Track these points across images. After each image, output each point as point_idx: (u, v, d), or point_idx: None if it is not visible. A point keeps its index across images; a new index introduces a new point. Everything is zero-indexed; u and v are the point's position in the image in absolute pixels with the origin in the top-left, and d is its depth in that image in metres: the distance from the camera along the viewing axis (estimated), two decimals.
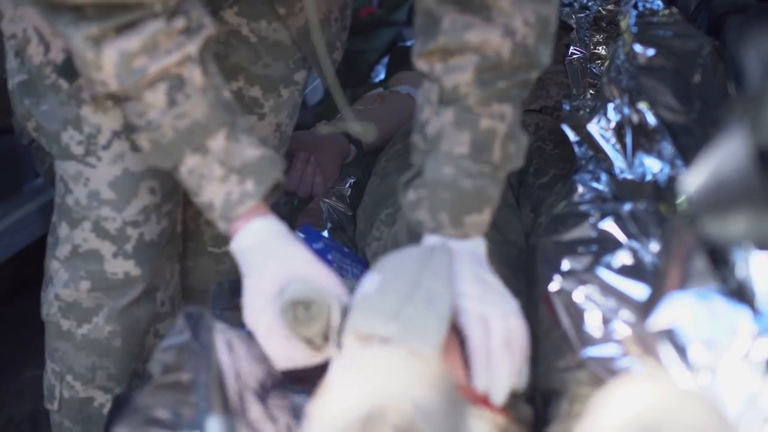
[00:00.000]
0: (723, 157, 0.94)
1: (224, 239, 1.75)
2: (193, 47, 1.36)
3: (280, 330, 1.35)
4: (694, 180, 0.96)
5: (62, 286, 1.64)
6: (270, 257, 1.40)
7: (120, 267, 1.63)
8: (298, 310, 1.33)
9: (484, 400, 1.30)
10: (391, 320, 1.29)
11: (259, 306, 1.38)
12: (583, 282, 1.40)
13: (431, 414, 0.98)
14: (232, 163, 1.39)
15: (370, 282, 1.37)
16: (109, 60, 1.34)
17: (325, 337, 1.35)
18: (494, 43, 1.37)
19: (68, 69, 1.50)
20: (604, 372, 1.32)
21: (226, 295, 1.54)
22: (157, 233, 1.64)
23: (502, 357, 1.33)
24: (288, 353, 1.37)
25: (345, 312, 1.35)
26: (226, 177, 1.39)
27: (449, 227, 1.42)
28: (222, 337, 1.39)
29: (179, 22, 1.36)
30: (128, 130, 1.51)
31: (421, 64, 1.42)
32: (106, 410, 1.67)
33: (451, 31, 1.38)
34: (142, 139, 1.41)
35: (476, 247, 1.44)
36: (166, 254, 1.69)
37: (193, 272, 1.82)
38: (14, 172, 2.37)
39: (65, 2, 1.31)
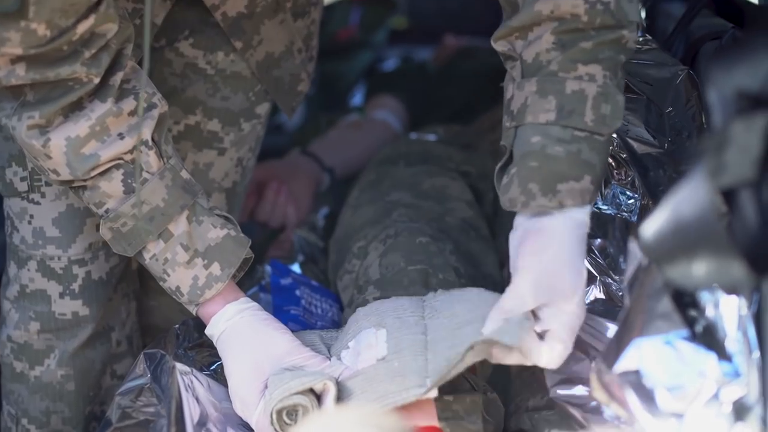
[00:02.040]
0: (684, 202, 0.91)
1: None
2: (146, 131, 1.34)
3: (269, 427, 1.33)
4: (653, 227, 0.93)
5: (13, 327, 1.61)
6: (249, 347, 1.38)
7: (67, 307, 1.59)
8: (285, 417, 1.32)
9: None
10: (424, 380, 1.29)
11: (247, 401, 1.35)
12: None
13: None
14: (196, 247, 1.37)
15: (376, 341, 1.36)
16: (58, 148, 1.31)
17: None
18: (566, 7, 1.29)
19: None
20: (575, 412, 1.30)
21: (191, 332, 1.51)
22: (106, 271, 1.60)
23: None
24: None
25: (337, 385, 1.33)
26: (191, 261, 1.37)
27: (541, 197, 1.30)
28: (182, 379, 1.36)
29: (128, 104, 1.33)
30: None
31: (500, 45, 1.36)
32: None
33: (523, 5, 1.32)
34: (103, 228, 1.38)
35: (575, 219, 1.31)
36: (121, 292, 1.66)
37: (155, 311, 1.78)
38: None
39: (3, 85, 1.28)
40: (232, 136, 1.69)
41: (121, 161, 1.34)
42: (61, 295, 1.58)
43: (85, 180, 1.35)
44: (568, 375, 1.34)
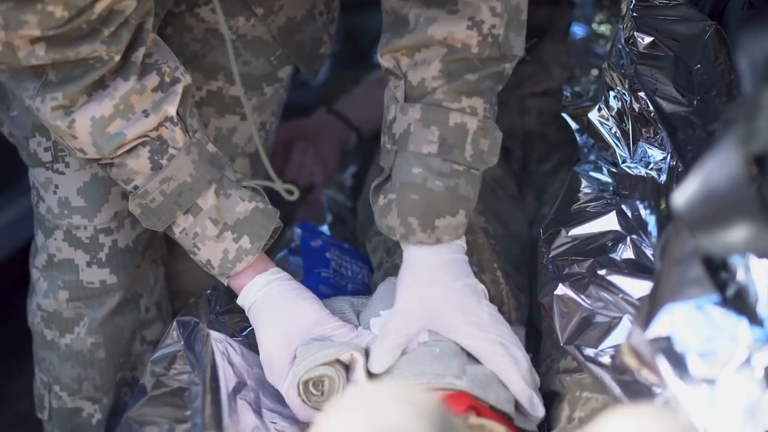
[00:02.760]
0: (715, 169, 0.91)
1: None
2: (170, 107, 1.34)
3: (297, 398, 1.34)
4: (684, 195, 0.93)
5: (42, 296, 1.63)
6: (278, 317, 1.39)
7: (95, 276, 1.60)
8: (311, 388, 1.33)
9: (486, 414, 1.28)
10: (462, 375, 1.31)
11: (276, 371, 1.37)
12: (583, 287, 1.38)
13: None
14: (225, 220, 1.38)
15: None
16: (83, 128, 1.31)
17: None
18: (460, 35, 1.33)
19: None
20: (605, 377, 1.30)
21: (223, 297, 1.52)
22: (132, 239, 1.61)
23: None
24: (307, 414, 1.35)
25: (366, 355, 1.35)
26: (221, 235, 1.38)
27: (420, 232, 1.37)
28: (216, 346, 1.37)
29: (151, 81, 1.33)
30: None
31: (385, 60, 1.38)
32: (95, 420, 1.67)
33: (416, 26, 1.33)
34: (132, 204, 1.39)
35: (452, 253, 1.39)
36: (149, 259, 1.66)
37: (183, 275, 1.79)
38: (10, 167, 2.35)
39: (24, 66, 1.27)
40: (254, 100, 1.69)
41: (147, 138, 1.35)
42: (89, 264, 1.59)
43: (112, 158, 1.36)
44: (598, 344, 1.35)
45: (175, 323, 1.43)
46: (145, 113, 1.33)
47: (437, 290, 1.37)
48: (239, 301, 1.43)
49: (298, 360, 1.33)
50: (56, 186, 1.56)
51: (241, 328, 1.48)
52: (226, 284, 1.43)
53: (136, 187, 1.38)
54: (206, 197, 1.37)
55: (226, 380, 1.35)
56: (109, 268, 1.60)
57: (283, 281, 1.42)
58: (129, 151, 1.35)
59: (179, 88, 1.35)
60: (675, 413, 1.00)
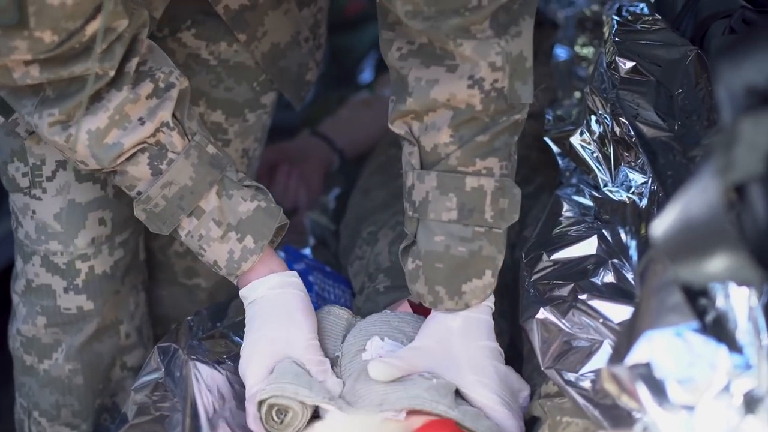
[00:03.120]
0: (693, 198, 0.91)
1: (196, 271, 1.76)
2: (166, 113, 1.34)
3: (255, 414, 1.35)
4: (663, 224, 0.93)
5: (22, 322, 1.62)
6: (274, 325, 1.38)
7: (72, 302, 1.59)
8: (273, 413, 1.33)
9: None
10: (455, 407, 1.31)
11: (248, 375, 1.37)
12: (564, 311, 1.39)
13: None
14: (228, 221, 1.38)
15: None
16: (81, 142, 1.32)
17: None
18: (462, 96, 1.32)
19: (3, 104, 1.45)
20: (586, 401, 1.31)
21: (205, 322, 1.52)
22: (110, 265, 1.60)
23: None
24: (258, 430, 1.36)
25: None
26: (225, 236, 1.38)
27: (448, 300, 1.38)
28: (195, 372, 1.37)
29: (145, 88, 1.33)
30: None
31: (396, 126, 1.38)
32: None
33: (416, 90, 1.33)
34: (137, 210, 1.39)
35: (479, 314, 1.40)
36: (129, 284, 1.66)
37: (165, 301, 1.79)
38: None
39: (21, 83, 1.28)
40: (236, 126, 1.69)
41: (145, 145, 1.35)
42: (66, 290, 1.59)
43: (113, 168, 1.36)
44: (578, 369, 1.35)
45: (155, 350, 1.42)
46: (141, 121, 1.33)
47: (457, 347, 1.38)
48: (242, 293, 1.42)
49: (271, 379, 1.33)
50: (33, 211, 1.56)
51: (222, 353, 1.47)
52: (235, 284, 1.43)
53: (139, 193, 1.38)
54: (208, 199, 1.37)
55: (205, 407, 1.35)
56: (86, 294, 1.60)
57: (296, 290, 1.41)
58: (128, 159, 1.35)
59: (174, 93, 1.35)
60: None
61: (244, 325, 1.46)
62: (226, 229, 1.38)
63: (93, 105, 1.32)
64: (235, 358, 1.43)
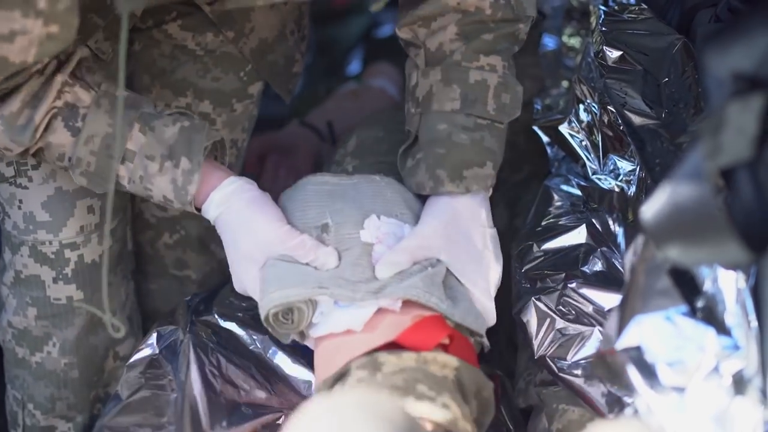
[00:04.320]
0: (682, 183, 0.93)
1: (186, 263, 1.76)
2: (62, 76, 1.34)
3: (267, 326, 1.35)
4: (652, 208, 0.95)
5: (12, 313, 1.62)
6: (239, 235, 1.37)
7: (62, 292, 1.59)
8: (281, 317, 1.33)
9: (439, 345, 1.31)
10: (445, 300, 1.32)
11: (246, 286, 1.38)
12: (555, 300, 1.41)
13: None
14: (160, 152, 1.36)
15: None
16: None
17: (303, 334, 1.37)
18: (472, 0, 1.38)
19: None
20: (579, 388, 1.32)
21: (201, 305, 1.53)
22: (99, 254, 1.59)
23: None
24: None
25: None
26: (162, 167, 1.37)
27: (449, 183, 1.39)
28: (193, 350, 1.38)
29: (51, 66, 1.34)
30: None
31: (403, 32, 1.42)
32: None
33: None
34: (75, 177, 1.39)
35: (480, 201, 1.41)
36: (120, 274, 1.66)
37: (155, 294, 1.79)
38: None
39: None
40: (224, 117, 1.68)
41: (55, 110, 1.35)
42: (55, 280, 1.58)
43: (35, 145, 1.36)
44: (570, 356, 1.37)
45: (154, 329, 1.43)
46: (45, 92, 1.33)
47: (459, 229, 1.38)
48: (203, 214, 1.41)
49: (265, 288, 1.33)
50: (20, 201, 1.55)
51: (219, 332, 1.48)
52: (194, 211, 1.41)
53: (69, 159, 1.38)
54: (134, 139, 1.36)
55: (202, 384, 1.35)
56: (75, 283, 1.59)
57: (239, 195, 1.39)
58: (45, 130, 1.35)
59: (73, 60, 1.35)
60: (648, 426, 1.01)
61: (236, 311, 1.49)
62: (160, 161, 1.36)
63: (7, 96, 1.32)
64: (232, 337, 1.44)
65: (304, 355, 1.44)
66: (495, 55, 1.40)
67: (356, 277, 1.33)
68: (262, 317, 1.34)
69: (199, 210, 1.41)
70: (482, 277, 1.38)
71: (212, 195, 1.38)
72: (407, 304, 1.31)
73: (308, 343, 1.38)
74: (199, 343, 1.42)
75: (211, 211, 1.39)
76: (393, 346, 1.29)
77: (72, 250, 1.58)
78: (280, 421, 1.38)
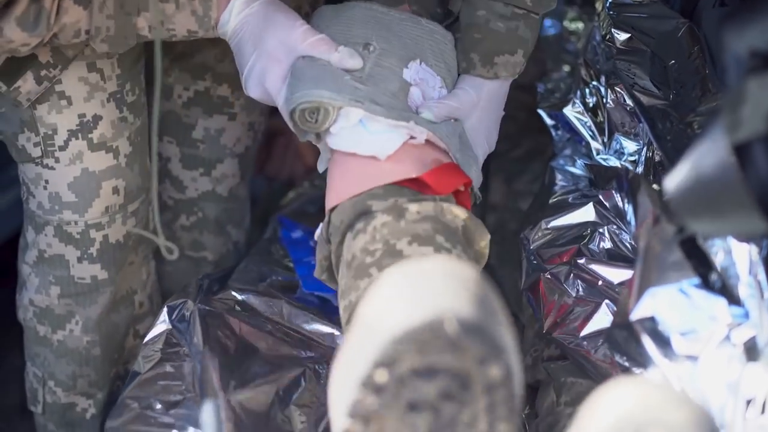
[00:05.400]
0: (703, 156, 0.96)
1: (202, 244, 1.78)
2: None
3: (290, 121, 1.38)
4: (674, 180, 0.98)
5: (35, 292, 1.63)
6: (260, 41, 1.40)
7: (86, 271, 1.61)
8: (306, 115, 1.36)
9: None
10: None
11: (269, 88, 1.39)
12: (563, 276, 1.44)
13: (476, 330, 0.99)
14: None
15: None
16: (12, 32, 1.34)
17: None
18: None
19: (6, 72, 1.48)
20: (588, 362, 1.36)
21: (214, 284, 1.56)
22: (123, 234, 1.61)
23: None
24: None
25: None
26: (178, 4, 1.39)
27: (480, 66, 1.46)
28: (205, 321, 1.41)
29: None
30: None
31: None
32: (89, 415, 1.68)
33: None
34: (97, 45, 1.41)
35: (501, 87, 1.49)
36: (141, 254, 1.68)
37: (171, 276, 1.81)
38: None
39: None
40: (242, 100, 1.71)
41: None
42: (79, 260, 1.60)
43: (50, 31, 1.37)
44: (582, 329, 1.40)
45: (165, 306, 1.46)
46: None
47: (481, 108, 1.46)
48: (220, 30, 1.44)
49: (297, 84, 1.36)
50: (46, 181, 1.57)
51: (231, 308, 1.52)
52: (221, 36, 1.43)
53: (87, 32, 1.40)
54: None
55: (216, 354, 1.38)
56: (100, 263, 1.61)
57: (261, 2, 1.42)
58: (58, 13, 1.37)
59: None
60: (668, 384, 1.05)
61: (251, 285, 1.52)
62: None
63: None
64: (244, 314, 1.48)
65: (323, 315, 1.50)
66: None
67: (391, 104, 1.38)
68: (288, 110, 1.36)
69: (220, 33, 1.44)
70: (483, 152, 1.48)
71: (231, 3, 1.41)
72: (428, 146, 1.38)
73: (321, 146, 1.42)
74: (209, 312, 1.46)
75: (231, 22, 1.41)
76: (413, 183, 1.35)
77: (97, 230, 1.59)
78: (303, 377, 1.41)
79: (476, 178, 1.43)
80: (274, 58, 1.39)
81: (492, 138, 1.49)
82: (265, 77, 1.40)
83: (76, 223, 1.58)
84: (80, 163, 1.55)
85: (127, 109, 1.55)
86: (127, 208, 1.59)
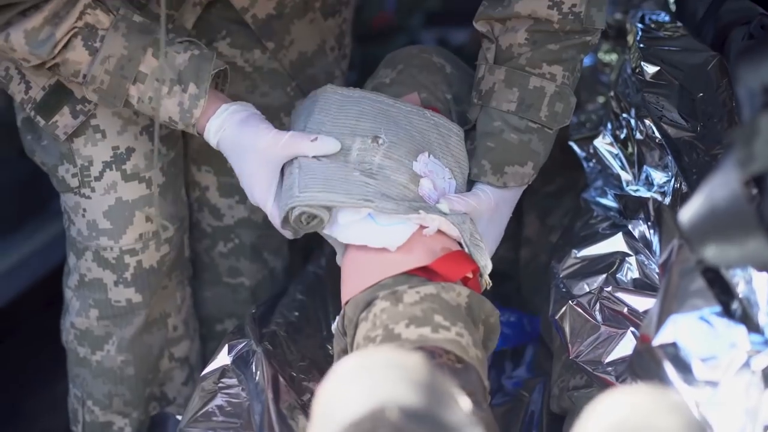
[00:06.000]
0: (717, 189, 0.99)
1: (239, 270, 1.84)
2: None
3: (279, 219, 1.44)
4: (689, 213, 1.01)
5: (75, 315, 1.71)
6: (241, 152, 1.46)
7: (122, 295, 1.68)
8: (302, 218, 1.41)
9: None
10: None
11: (257, 197, 1.45)
12: (591, 304, 1.47)
13: (419, 416, 1.03)
14: (170, 77, 1.46)
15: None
16: (17, 42, 1.41)
17: None
18: (542, 12, 1.46)
19: (44, 107, 1.56)
20: (613, 387, 1.38)
21: (267, 316, 1.60)
22: (157, 260, 1.69)
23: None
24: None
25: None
26: (171, 90, 1.46)
27: (490, 174, 1.51)
28: (264, 360, 1.44)
29: None
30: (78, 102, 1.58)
31: (480, 25, 1.51)
32: None
33: (506, 2, 1.47)
34: (88, 93, 1.48)
35: (511, 197, 1.53)
36: (176, 280, 1.75)
37: (209, 302, 1.87)
38: (37, 194, 2.44)
39: None
40: None
41: (75, 29, 1.44)
42: (116, 283, 1.68)
43: (53, 59, 1.45)
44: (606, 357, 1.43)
45: (225, 343, 1.50)
46: (68, 13, 1.42)
47: (492, 211, 1.51)
48: (206, 138, 1.50)
49: (302, 184, 1.40)
50: (84, 210, 1.65)
51: (283, 343, 1.55)
52: (196, 134, 1.50)
53: (84, 77, 1.47)
54: (146, 62, 1.46)
55: (277, 394, 1.41)
56: (135, 287, 1.68)
57: (232, 118, 1.47)
58: (65, 47, 1.44)
59: None
60: (667, 392, 1.07)
61: (297, 323, 1.58)
62: (169, 84, 1.46)
63: (31, 11, 1.41)
64: (301, 345, 1.53)
65: None
66: (557, 65, 1.49)
67: (401, 196, 1.42)
68: (282, 213, 1.41)
69: (200, 135, 1.50)
70: (488, 251, 1.50)
71: (209, 123, 1.48)
72: (439, 236, 1.42)
73: (330, 239, 1.47)
74: (271, 354, 1.49)
75: (211, 138, 1.49)
76: (423, 272, 1.39)
77: (131, 255, 1.67)
78: None
79: (485, 265, 1.46)
80: (254, 176, 1.45)
81: (498, 239, 1.53)
82: (252, 193, 1.46)
83: (111, 248, 1.65)
84: (114, 193, 1.63)
85: (160, 141, 1.62)
86: (160, 235, 1.66)
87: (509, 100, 1.49)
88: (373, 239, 1.39)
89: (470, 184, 1.54)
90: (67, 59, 1.45)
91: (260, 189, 1.44)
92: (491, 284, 1.48)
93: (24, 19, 1.41)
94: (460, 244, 1.44)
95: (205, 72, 1.46)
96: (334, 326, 1.44)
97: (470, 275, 1.42)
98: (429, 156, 1.49)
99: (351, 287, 1.41)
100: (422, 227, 1.41)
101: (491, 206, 1.50)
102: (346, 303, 1.41)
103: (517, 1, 1.46)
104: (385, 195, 1.41)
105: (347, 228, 1.40)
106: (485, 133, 1.51)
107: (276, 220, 1.43)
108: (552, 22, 1.46)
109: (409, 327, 1.31)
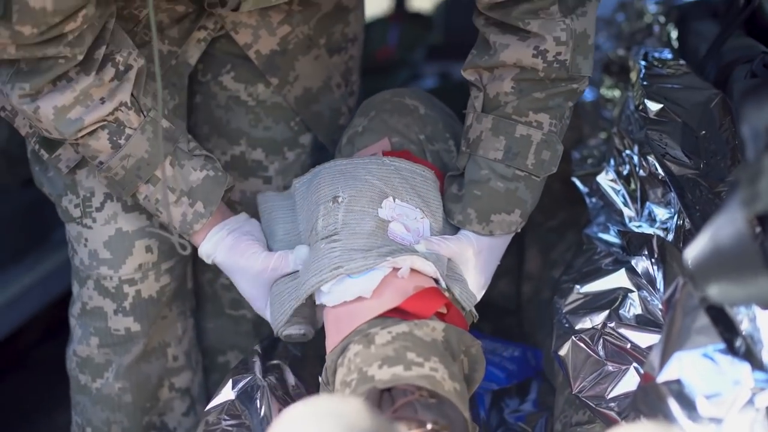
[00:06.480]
0: (722, 227, 1.00)
1: (241, 302, 1.85)
2: (124, 94, 1.45)
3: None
4: (694, 251, 1.02)
5: (77, 343, 1.73)
6: (234, 271, 1.54)
7: (121, 323, 1.70)
8: (291, 338, 1.49)
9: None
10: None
11: (258, 308, 1.54)
12: (594, 340, 1.47)
13: None
14: (181, 188, 1.50)
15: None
16: (45, 115, 1.43)
17: None
18: (527, 61, 1.47)
19: (48, 141, 1.58)
20: (616, 423, 1.38)
21: (272, 350, 1.61)
22: (156, 290, 1.71)
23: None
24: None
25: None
26: (178, 200, 1.50)
27: (476, 223, 1.52)
28: (271, 394, 1.46)
29: (108, 74, 1.44)
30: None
31: (468, 74, 1.53)
32: None
33: (492, 51, 1.48)
34: (99, 176, 1.53)
35: (498, 244, 1.54)
36: (176, 310, 1.76)
37: (211, 333, 1.89)
38: (41, 223, 2.45)
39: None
40: (276, 164, 1.78)
41: (104, 122, 1.46)
42: (115, 312, 1.70)
43: (75, 140, 1.47)
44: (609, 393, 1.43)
45: (229, 377, 1.51)
46: (102, 100, 1.44)
47: (476, 259, 1.52)
48: (200, 253, 1.57)
49: (273, 312, 1.50)
50: (86, 239, 1.67)
51: (287, 378, 1.56)
52: (186, 239, 1.54)
53: (101, 163, 1.50)
54: (163, 169, 1.48)
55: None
56: (133, 316, 1.70)
57: (220, 244, 1.55)
58: (90, 134, 1.47)
59: (132, 74, 1.46)
60: (671, 429, 1.07)
61: (301, 358, 1.61)
62: (179, 195, 1.50)
63: (62, 83, 1.42)
64: (304, 378, 1.55)
65: None
66: (544, 113, 1.50)
67: (369, 245, 1.45)
68: (277, 333, 1.48)
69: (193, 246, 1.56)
70: (477, 294, 1.53)
71: (201, 247, 1.55)
72: (411, 275, 1.43)
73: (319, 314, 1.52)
74: (276, 388, 1.51)
75: (204, 257, 1.56)
76: (396, 312, 1.41)
77: (130, 285, 1.69)
78: None
79: (467, 298, 1.48)
80: (248, 293, 1.54)
81: (484, 286, 1.55)
82: (251, 304, 1.55)
83: (111, 278, 1.68)
84: (114, 224, 1.66)
85: None
86: (160, 266, 1.68)
87: (496, 149, 1.50)
88: (347, 293, 1.43)
89: (458, 230, 1.56)
90: (89, 144, 1.48)
91: (257, 305, 1.54)
92: (477, 317, 1.51)
93: (55, 94, 1.42)
94: (437, 281, 1.46)
95: (215, 196, 1.52)
96: (321, 378, 1.46)
97: (444, 310, 1.43)
98: (394, 200, 1.51)
99: (332, 339, 1.44)
100: (396, 269, 1.43)
101: (475, 252, 1.51)
102: (330, 354, 1.43)
103: (502, 50, 1.47)
104: (353, 250, 1.44)
105: (330, 294, 1.45)
106: (472, 181, 1.52)
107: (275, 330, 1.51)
108: (537, 71, 1.47)
109: (381, 368, 1.33)
